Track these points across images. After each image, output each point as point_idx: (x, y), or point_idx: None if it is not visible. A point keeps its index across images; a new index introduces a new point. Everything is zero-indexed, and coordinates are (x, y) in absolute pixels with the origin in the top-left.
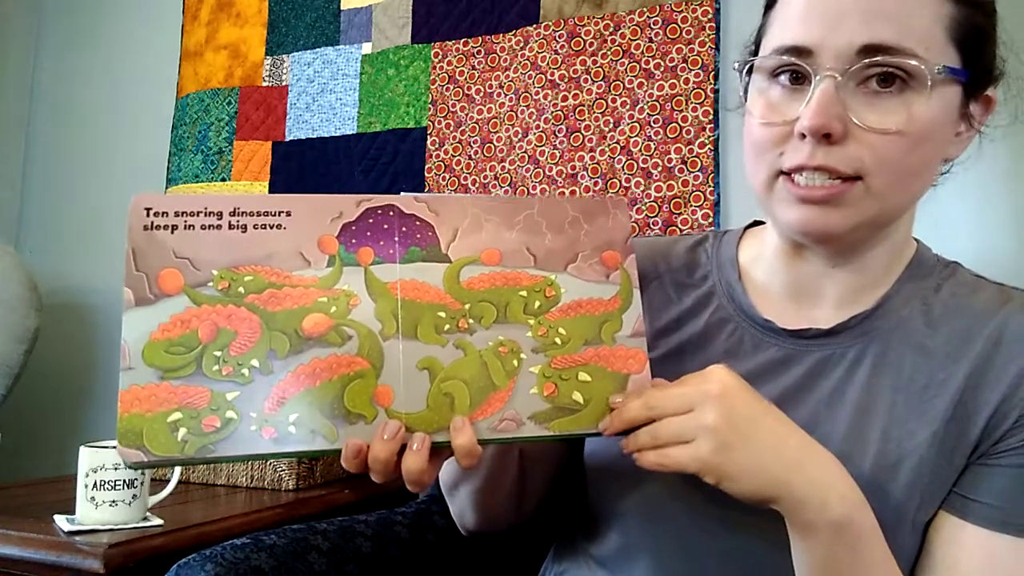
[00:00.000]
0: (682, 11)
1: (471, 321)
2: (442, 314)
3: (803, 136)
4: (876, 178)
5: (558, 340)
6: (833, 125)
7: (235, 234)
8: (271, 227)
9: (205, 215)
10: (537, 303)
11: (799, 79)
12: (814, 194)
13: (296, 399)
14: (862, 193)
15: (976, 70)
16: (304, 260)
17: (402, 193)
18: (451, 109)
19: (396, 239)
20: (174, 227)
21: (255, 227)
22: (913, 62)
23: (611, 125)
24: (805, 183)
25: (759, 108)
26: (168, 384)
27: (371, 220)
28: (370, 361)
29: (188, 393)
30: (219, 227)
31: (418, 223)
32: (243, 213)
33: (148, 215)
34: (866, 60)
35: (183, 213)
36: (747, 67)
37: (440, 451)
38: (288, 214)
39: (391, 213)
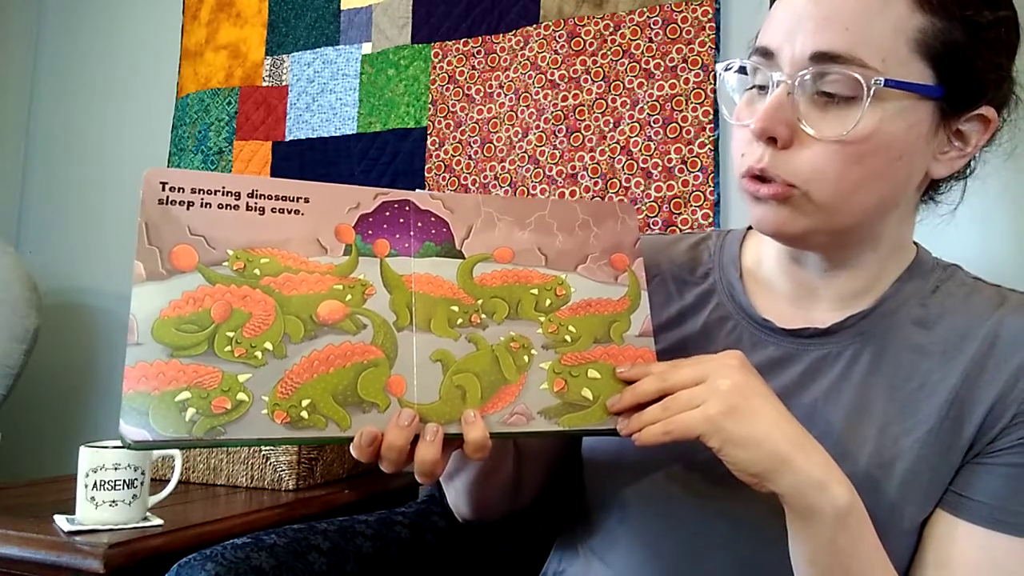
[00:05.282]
0: (682, 11)
1: (483, 316)
2: (455, 308)
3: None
4: (814, 187)
5: (568, 338)
6: (777, 130)
7: (253, 216)
8: (289, 212)
9: (223, 194)
10: (548, 301)
11: (764, 83)
12: (760, 191)
13: (310, 385)
14: (803, 200)
15: (956, 87)
16: (321, 247)
17: (417, 190)
18: (451, 109)
19: (412, 233)
20: (190, 203)
21: (273, 211)
22: (855, 73)
23: (611, 125)
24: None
25: (736, 109)
26: (177, 362)
27: (387, 213)
28: (384, 351)
29: (198, 372)
30: (236, 207)
31: (433, 219)
32: (261, 196)
33: (164, 189)
34: (814, 68)
35: (200, 190)
36: (726, 68)
37: (451, 442)
38: (306, 200)
39: (407, 208)
